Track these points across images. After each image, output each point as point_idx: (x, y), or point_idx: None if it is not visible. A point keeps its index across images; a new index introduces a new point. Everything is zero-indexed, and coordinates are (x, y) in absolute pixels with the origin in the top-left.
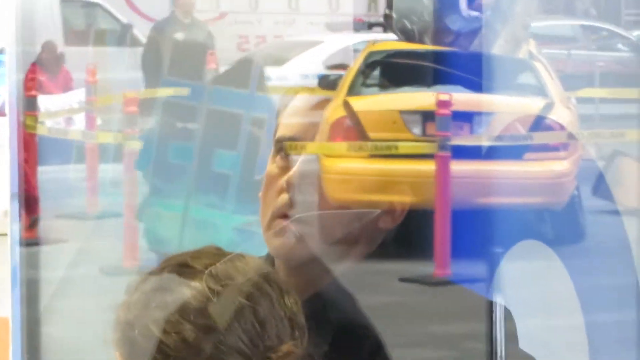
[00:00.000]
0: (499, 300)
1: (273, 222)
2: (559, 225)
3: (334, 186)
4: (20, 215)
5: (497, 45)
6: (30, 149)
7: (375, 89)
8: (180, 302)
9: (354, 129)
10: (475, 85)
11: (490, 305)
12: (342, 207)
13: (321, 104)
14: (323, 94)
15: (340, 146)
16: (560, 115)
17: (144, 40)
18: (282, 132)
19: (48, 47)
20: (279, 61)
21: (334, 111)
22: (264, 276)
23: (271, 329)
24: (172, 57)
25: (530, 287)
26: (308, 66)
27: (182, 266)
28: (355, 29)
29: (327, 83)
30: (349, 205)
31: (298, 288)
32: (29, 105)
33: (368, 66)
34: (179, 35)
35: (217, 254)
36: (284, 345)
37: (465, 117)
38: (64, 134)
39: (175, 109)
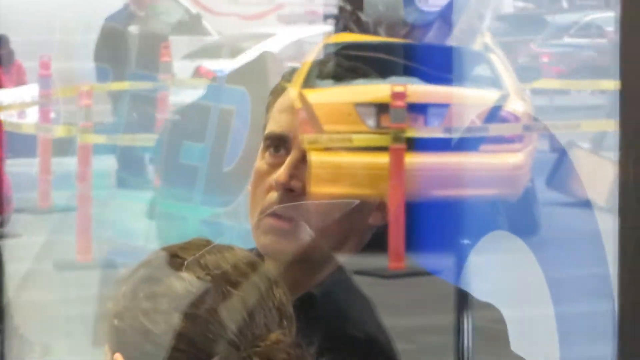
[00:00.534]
0: (464, 291)
1: (262, 219)
2: (513, 217)
3: None
4: None
5: (452, 37)
6: None
7: (331, 81)
8: (169, 292)
9: (308, 122)
10: (431, 77)
11: (455, 297)
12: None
13: None
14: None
15: None
16: (516, 106)
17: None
18: (271, 127)
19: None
20: (232, 53)
21: None
22: (253, 267)
23: (260, 318)
24: (126, 49)
25: (491, 278)
26: None
27: (171, 257)
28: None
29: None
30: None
31: (288, 286)
32: None
33: (323, 58)
34: (133, 28)
35: (206, 245)
36: (272, 335)
37: (420, 109)
38: (17, 127)
39: (141, 102)
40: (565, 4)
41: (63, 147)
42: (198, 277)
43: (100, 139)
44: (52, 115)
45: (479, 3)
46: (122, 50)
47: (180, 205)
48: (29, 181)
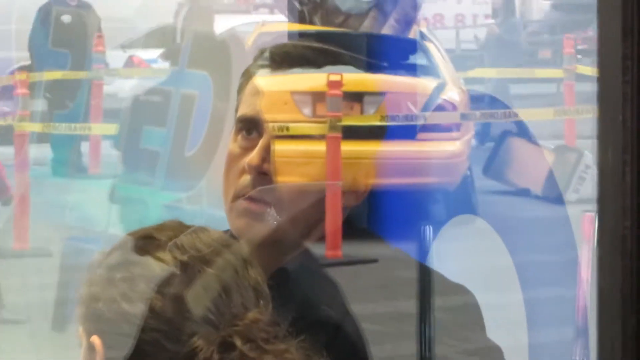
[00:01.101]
0: (426, 274)
1: (235, 202)
2: (451, 205)
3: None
4: None
5: (387, 26)
6: None
7: (267, 70)
8: (146, 273)
9: None
10: (367, 65)
11: (422, 282)
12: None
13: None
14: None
15: None
16: (452, 95)
17: None
18: (243, 110)
19: None
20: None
21: None
22: (228, 247)
23: (237, 297)
24: (59, 39)
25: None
26: None
27: (146, 238)
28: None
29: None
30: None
31: (262, 267)
32: None
33: (260, 47)
34: (66, 18)
35: (180, 226)
36: (250, 313)
37: (356, 98)
38: None
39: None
40: None
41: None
42: (174, 258)
43: (36, 127)
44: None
45: None
46: (56, 38)
47: (141, 189)
48: None
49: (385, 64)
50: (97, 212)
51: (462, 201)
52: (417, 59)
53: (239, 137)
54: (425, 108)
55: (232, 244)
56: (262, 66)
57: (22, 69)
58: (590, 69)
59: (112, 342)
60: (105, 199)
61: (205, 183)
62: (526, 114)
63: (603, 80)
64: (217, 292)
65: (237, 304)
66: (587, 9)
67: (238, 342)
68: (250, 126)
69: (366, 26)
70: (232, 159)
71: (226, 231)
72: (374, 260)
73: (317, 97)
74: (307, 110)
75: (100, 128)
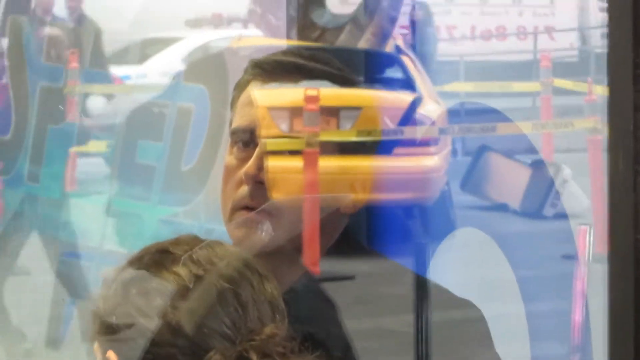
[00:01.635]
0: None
1: (234, 214)
2: (429, 220)
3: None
4: None
5: (364, 40)
6: None
7: (258, 82)
8: (162, 287)
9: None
10: (343, 80)
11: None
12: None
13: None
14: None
15: None
16: (430, 109)
17: None
18: (237, 122)
19: None
20: (140, 58)
21: None
22: (244, 261)
23: (253, 312)
24: (33, 54)
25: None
26: (168, 63)
27: (162, 253)
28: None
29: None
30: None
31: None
32: None
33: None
34: (40, 33)
35: (196, 240)
36: (266, 328)
37: (332, 112)
38: None
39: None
40: None
41: None
42: (190, 272)
43: None
44: None
45: (390, 6)
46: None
47: (136, 204)
48: None
49: (361, 78)
50: (85, 228)
51: (440, 216)
52: (393, 73)
53: (235, 149)
54: (402, 122)
55: (249, 258)
56: (254, 77)
57: None
58: (570, 83)
59: (127, 357)
60: (89, 215)
61: (202, 197)
62: (503, 128)
63: (613, 89)
64: (234, 307)
65: (254, 318)
66: None
67: (254, 357)
68: (246, 137)
69: (342, 40)
70: (229, 172)
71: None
72: (351, 277)
73: (294, 112)
74: (284, 126)
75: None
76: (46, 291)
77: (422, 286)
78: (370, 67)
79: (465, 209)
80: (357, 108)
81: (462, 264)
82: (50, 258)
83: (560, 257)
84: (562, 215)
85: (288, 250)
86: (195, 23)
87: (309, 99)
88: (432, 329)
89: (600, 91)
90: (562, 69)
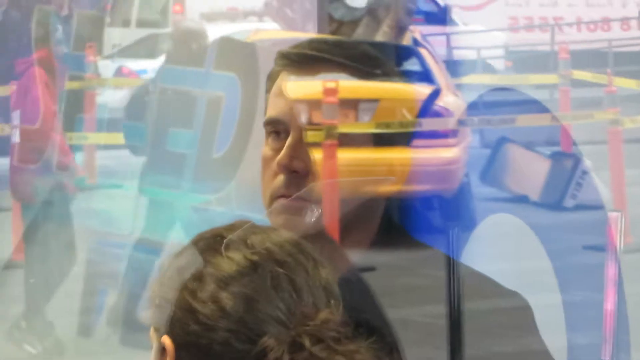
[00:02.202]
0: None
1: (272, 203)
2: (449, 212)
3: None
4: None
5: (381, 32)
6: None
7: (287, 72)
8: (216, 272)
9: None
10: (361, 72)
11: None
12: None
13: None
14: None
15: None
16: (448, 101)
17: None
18: (269, 113)
19: None
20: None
21: None
22: (298, 247)
23: (307, 297)
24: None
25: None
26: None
27: (217, 238)
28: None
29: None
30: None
31: None
32: None
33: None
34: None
35: (251, 226)
36: (321, 313)
37: (351, 105)
38: None
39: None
40: None
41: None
42: (245, 257)
43: None
44: None
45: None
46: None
47: (168, 192)
48: None
49: (379, 71)
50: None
51: (460, 208)
52: (411, 66)
53: (269, 139)
54: (421, 114)
55: (303, 243)
56: (283, 68)
57: None
58: (589, 74)
59: (182, 342)
60: (120, 204)
61: (234, 184)
62: (522, 120)
63: None
64: (288, 292)
65: (308, 303)
66: None
67: (307, 342)
68: (278, 127)
69: (359, 33)
70: (266, 162)
71: None
72: (372, 269)
73: (313, 104)
74: (303, 118)
75: (96, 137)
76: (77, 281)
77: (455, 275)
78: (387, 60)
79: (484, 200)
80: (375, 101)
81: (498, 252)
82: (80, 248)
83: (582, 248)
84: (584, 207)
85: (328, 238)
86: (211, 17)
87: (328, 92)
88: (473, 318)
89: (621, 83)
90: None
